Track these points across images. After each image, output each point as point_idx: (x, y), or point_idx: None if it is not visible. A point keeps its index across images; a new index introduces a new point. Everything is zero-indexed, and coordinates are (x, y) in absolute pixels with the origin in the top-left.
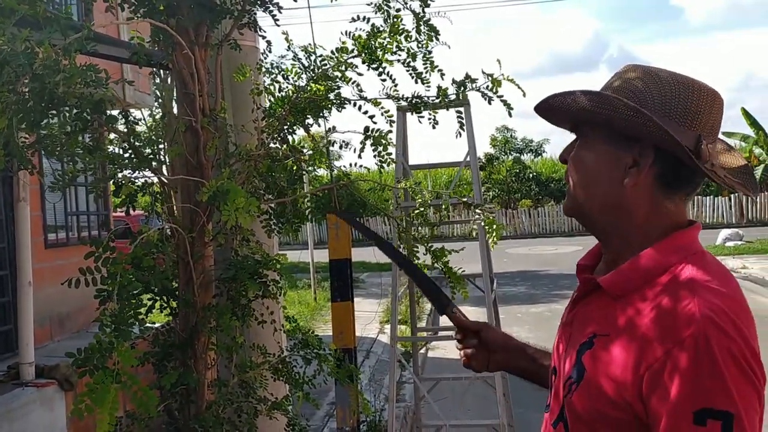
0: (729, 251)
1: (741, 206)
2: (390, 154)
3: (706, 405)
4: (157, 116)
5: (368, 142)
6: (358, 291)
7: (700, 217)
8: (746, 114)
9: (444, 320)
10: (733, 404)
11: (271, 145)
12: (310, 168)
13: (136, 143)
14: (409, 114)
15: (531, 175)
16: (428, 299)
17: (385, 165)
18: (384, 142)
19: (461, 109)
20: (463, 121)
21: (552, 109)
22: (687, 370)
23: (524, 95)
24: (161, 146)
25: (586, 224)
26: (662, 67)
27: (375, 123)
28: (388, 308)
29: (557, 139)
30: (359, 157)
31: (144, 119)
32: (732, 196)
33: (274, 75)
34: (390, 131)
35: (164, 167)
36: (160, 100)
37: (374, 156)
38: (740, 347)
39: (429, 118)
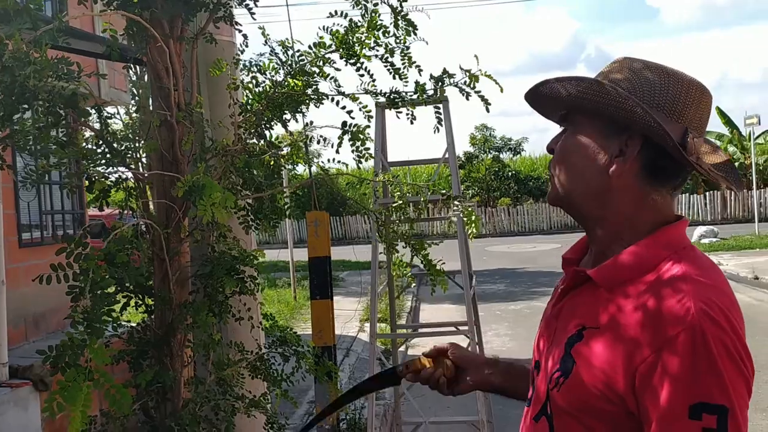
0: (704, 248)
1: (725, 201)
2: (368, 149)
3: (702, 399)
4: (133, 113)
5: (346, 137)
6: (337, 289)
7: None
8: (720, 113)
9: (423, 317)
10: (728, 398)
11: (249, 140)
12: (288, 166)
13: (110, 139)
14: (387, 110)
15: (510, 174)
16: (383, 388)
17: (363, 160)
18: (362, 136)
19: (440, 105)
20: (442, 117)
21: (541, 96)
22: (683, 364)
23: (502, 91)
24: (136, 142)
25: (572, 213)
26: (654, 61)
27: (353, 118)
28: (368, 306)
29: (536, 138)
30: (337, 152)
31: (120, 116)
32: (707, 194)
33: (251, 70)
34: (368, 126)
35: (139, 163)
36: (136, 97)
37: (352, 151)
38: (733, 340)
39: (407, 114)
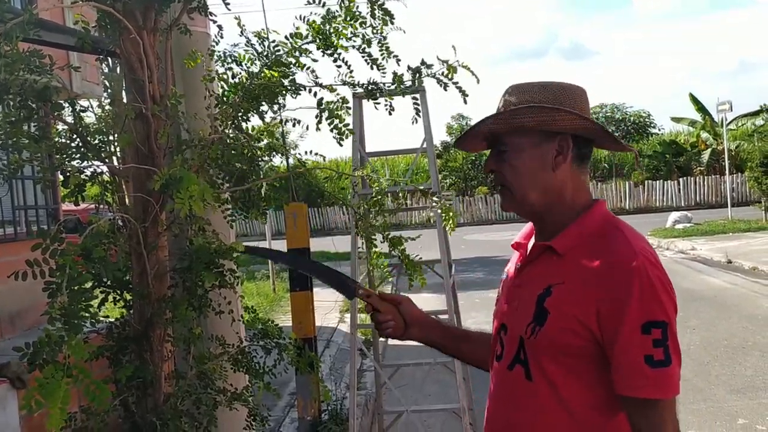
0: (678, 233)
1: (717, 185)
2: (347, 125)
3: (649, 319)
4: (106, 107)
5: (324, 116)
6: (317, 281)
7: (650, 201)
8: (694, 99)
9: None
10: (666, 316)
11: (226, 132)
12: (265, 158)
13: (84, 133)
14: (365, 101)
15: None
16: (336, 289)
17: (343, 138)
18: (339, 113)
19: (417, 95)
20: (419, 108)
21: (477, 135)
22: (633, 295)
23: (478, 82)
24: (110, 136)
25: (526, 213)
26: (536, 80)
27: (331, 105)
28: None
29: None
30: (317, 129)
31: (92, 109)
32: (680, 180)
33: (226, 62)
34: (345, 101)
35: (114, 157)
36: (109, 90)
37: (331, 129)
38: (665, 276)
39: (385, 105)
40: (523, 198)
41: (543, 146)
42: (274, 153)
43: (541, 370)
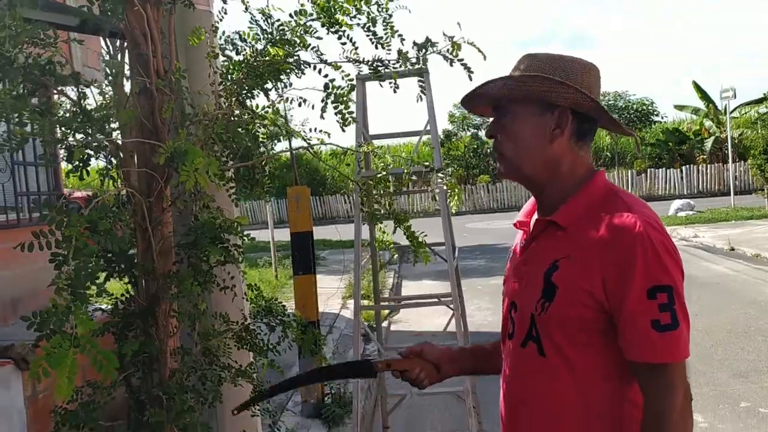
0: (681, 221)
1: (720, 173)
2: (352, 112)
3: (654, 283)
4: (108, 92)
5: (329, 100)
6: (319, 268)
7: (653, 189)
8: (697, 87)
9: (405, 293)
10: (672, 280)
11: (231, 107)
12: (269, 137)
13: (88, 108)
14: (369, 83)
15: (489, 151)
16: (356, 377)
17: (347, 124)
18: (345, 99)
19: (422, 77)
20: (424, 86)
21: (482, 96)
22: (639, 261)
23: (485, 58)
24: (114, 111)
25: (523, 181)
26: (550, 52)
27: (336, 87)
28: (350, 284)
29: None
30: (321, 116)
31: (93, 94)
32: (683, 168)
33: (231, 41)
34: (352, 88)
35: (118, 132)
36: (110, 77)
37: (336, 114)
38: (669, 240)
39: (390, 83)
40: (518, 167)
41: (543, 117)
42: (278, 132)
43: (554, 345)
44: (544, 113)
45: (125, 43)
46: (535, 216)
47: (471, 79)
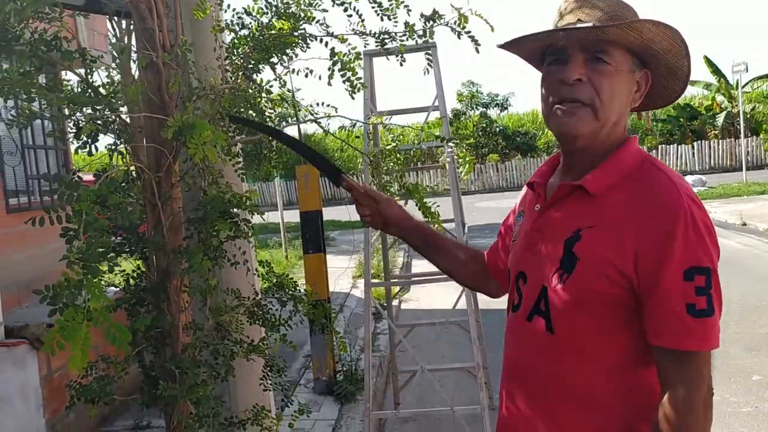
0: None
1: (732, 149)
2: (360, 78)
3: (693, 264)
4: (115, 72)
5: (336, 68)
6: (329, 248)
7: None
8: (708, 61)
9: (416, 269)
10: (711, 261)
11: (237, 81)
12: (276, 110)
13: (95, 84)
14: (376, 58)
15: (498, 130)
16: (321, 172)
17: (355, 91)
18: (352, 66)
19: (429, 51)
20: (432, 58)
21: (572, 36)
22: (679, 238)
23: (492, 30)
24: (121, 86)
25: (583, 140)
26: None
27: (343, 55)
28: (360, 263)
29: (522, 93)
30: (329, 83)
31: (98, 74)
32: (695, 144)
33: (240, 18)
34: (358, 56)
35: (126, 107)
36: (117, 60)
37: (344, 82)
38: (708, 217)
39: (397, 57)
40: (605, 122)
41: (632, 75)
42: (285, 112)
43: (566, 321)
44: (633, 71)
45: (131, 24)
46: (553, 179)
47: (478, 51)
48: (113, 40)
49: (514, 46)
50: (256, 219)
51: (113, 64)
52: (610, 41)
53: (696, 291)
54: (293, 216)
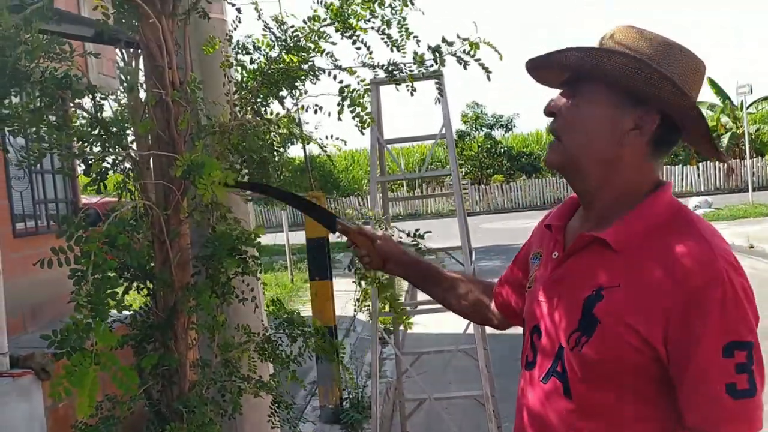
0: None
1: (729, 170)
2: (369, 113)
3: (733, 338)
4: (123, 100)
5: (346, 103)
6: (335, 271)
7: None
8: (712, 83)
9: (421, 295)
10: (752, 334)
11: (246, 116)
12: (284, 146)
13: (105, 120)
14: (384, 87)
15: (502, 150)
16: (318, 222)
17: (365, 126)
18: (361, 102)
19: (437, 80)
20: (441, 88)
21: (549, 63)
22: (715, 310)
23: (501, 58)
24: (129, 124)
25: (573, 177)
26: (659, 33)
27: (352, 92)
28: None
29: (526, 115)
30: (339, 118)
31: (110, 103)
32: (700, 165)
33: (244, 51)
34: (367, 90)
35: (135, 144)
36: (124, 83)
37: (353, 118)
38: (748, 283)
39: (407, 86)
40: (571, 159)
41: (621, 110)
42: (294, 140)
43: (585, 388)
44: (624, 106)
45: (140, 50)
46: (574, 221)
47: (489, 79)
48: (122, 65)
49: (537, 73)
50: (263, 240)
51: (121, 89)
52: (583, 71)
53: (736, 368)
54: (299, 237)
